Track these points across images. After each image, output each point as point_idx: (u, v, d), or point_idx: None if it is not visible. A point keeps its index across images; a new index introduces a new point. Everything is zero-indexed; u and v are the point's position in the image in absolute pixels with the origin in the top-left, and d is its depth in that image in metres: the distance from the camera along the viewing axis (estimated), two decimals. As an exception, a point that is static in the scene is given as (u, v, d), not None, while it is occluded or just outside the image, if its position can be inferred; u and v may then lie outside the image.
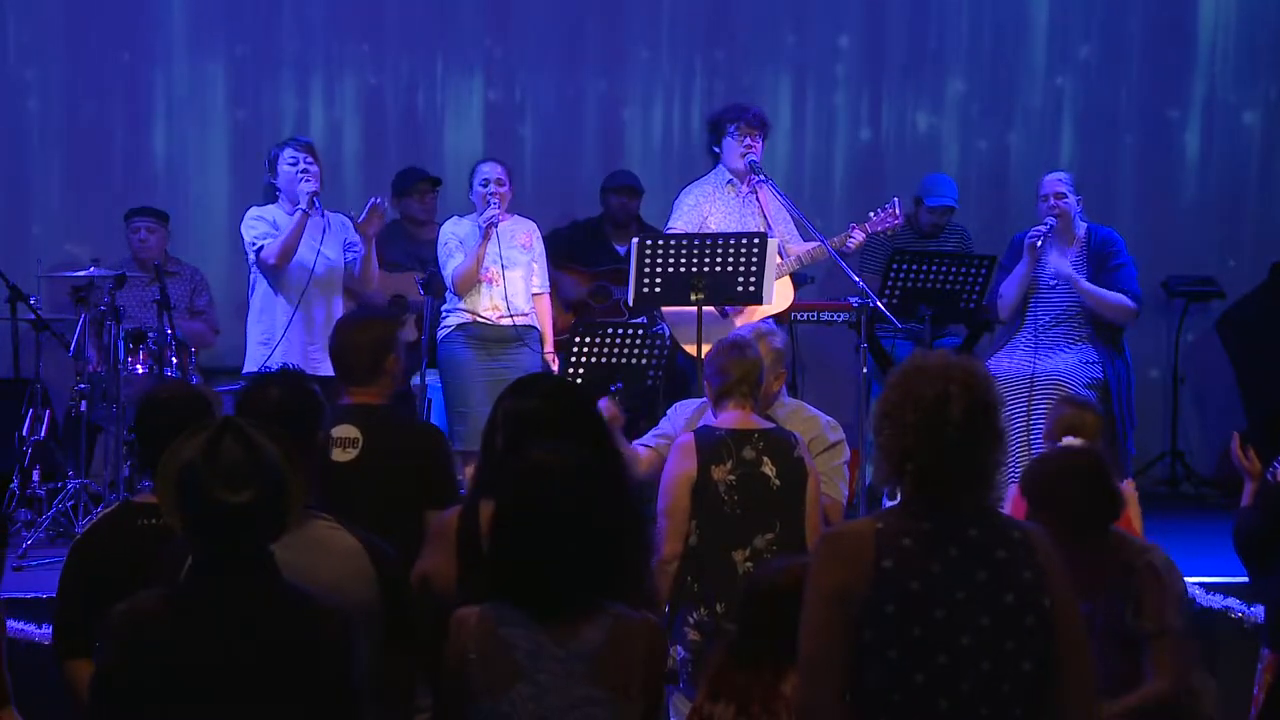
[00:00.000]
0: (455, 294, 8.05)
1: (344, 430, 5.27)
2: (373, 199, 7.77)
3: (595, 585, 3.73)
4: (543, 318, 8.21)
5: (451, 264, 8.03)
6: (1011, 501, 5.89)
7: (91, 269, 8.20)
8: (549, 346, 8.18)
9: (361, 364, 5.43)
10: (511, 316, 8.01)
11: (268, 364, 7.51)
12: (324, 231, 7.76)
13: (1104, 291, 8.13)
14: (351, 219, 7.80)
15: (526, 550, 3.71)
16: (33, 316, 8.18)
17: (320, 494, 4.87)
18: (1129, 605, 4.66)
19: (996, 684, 3.34)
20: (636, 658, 3.71)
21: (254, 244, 7.72)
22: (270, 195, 7.87)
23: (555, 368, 8.03)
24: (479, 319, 8.00)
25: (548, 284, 8.30)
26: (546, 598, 3.69)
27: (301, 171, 7.69)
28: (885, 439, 3.43)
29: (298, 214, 7.63)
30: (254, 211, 7.83)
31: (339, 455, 5.24)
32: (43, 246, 9.41)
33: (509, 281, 8.02)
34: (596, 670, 3.67)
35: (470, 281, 7.99)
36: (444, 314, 8.11)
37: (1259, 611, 6.49)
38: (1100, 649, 4.49)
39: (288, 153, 7.77)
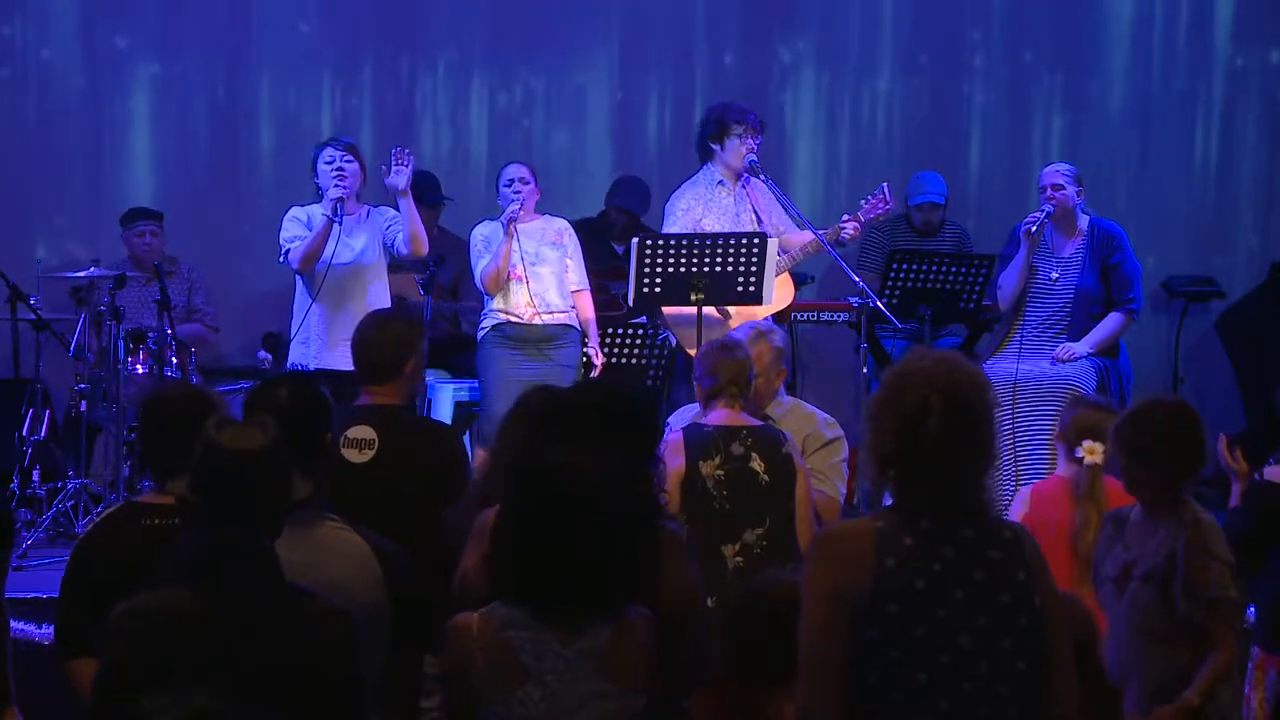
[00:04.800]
0: (486, 295, 8.03)
1: (359, 431, 5.28)
2: (395, 149, 7.73)
3: (605, 587, 3.72)
4: (584, 313, 8.14)
5: (480, 265, 8.02)
6: (1021, 502, 5.89)
7: (91, 269, 8.20)
8: (593, 342, 8.11)
9: (379, 362, 5.42)
10: (548, 314, 7.99)
11: (305, 363, 7.55)
12: (361, 227, 7.73)
13: (1101, 333, 8.10)
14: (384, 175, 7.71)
15: (535, 550, 3.70)
16: (33, 316, 8.17)
17: (335, 494, 4.93)
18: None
19: (994, 684, 3.34)
20: (640, 652, 3.72)
21: (283, 246, 7.72)
22: (318, 195, 7.79)
23: (598, 362, 8.01)
24: (513, 319, 7.97)
25: (585, 280, 8.22)
26: (554, 599, 3.69)
27: (336, 171, 7.65)
28: (869, 441, 3.44)
29: (323, 220, 7.60)
30: (292, 211, 7.80)
31: (354, 456, 5.25)
32: (43, 246, 9.41)
33: (539, 277, 8.01)
34: (603, 666, 3.68)
35: (499, 281, 7.96)
36: (482, 316, 8.09)
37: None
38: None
39: (326, 153, 7.73)
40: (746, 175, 8.24)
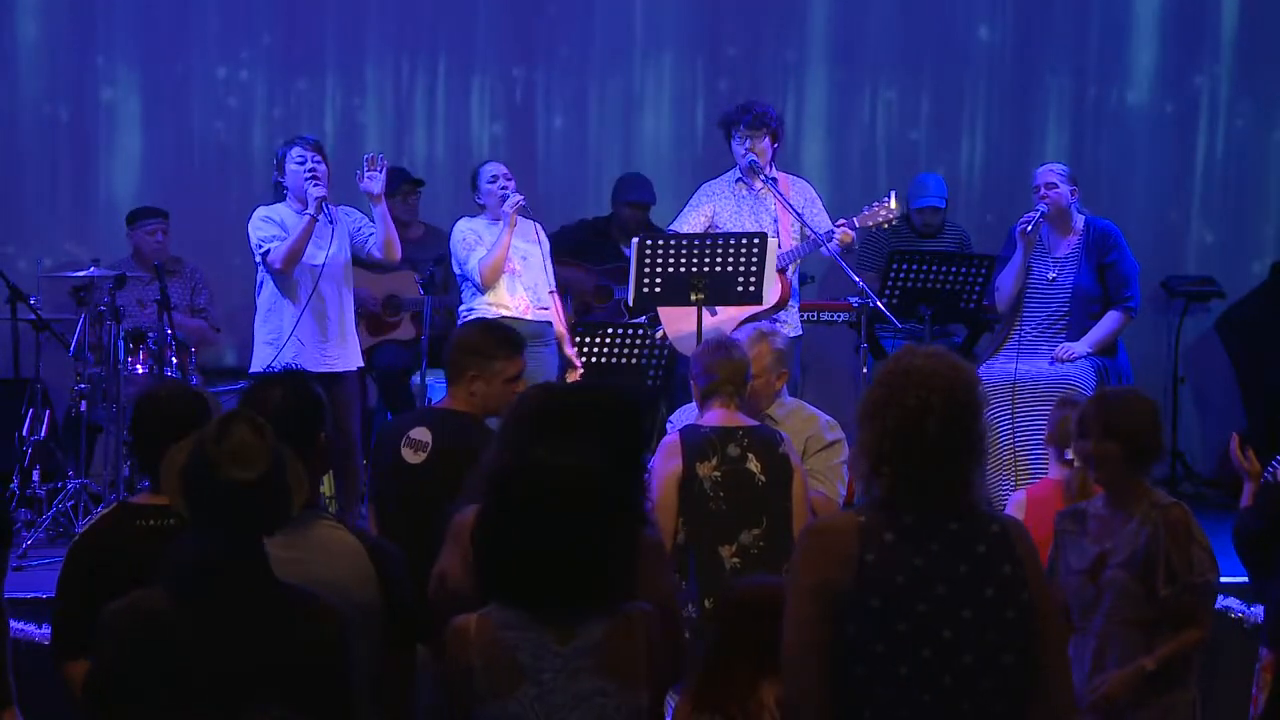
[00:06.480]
0: (483, 287, 7.95)
1: (418, 433, 5.43)
2: (367, 155, 7.69)
3: (593, 584, 3.71)
4: (556, 315, 8.16)
5: (475, 256, 7.96)
6: (1016, 506, 5.90)
7: (91, 269, 8.20)
8: (569, 344, 8.09)
9: (447, 363, 5.61)
10: (540, 309, 7.98)
11: (275, 364, 7.48)
12: (332, 228, 7.65)
13: (1100, 332, 8.06)
14: (359, 179, 7.69)
15: (519, 549, 3.69)
16: (33, 316, 8.18)
17: (391, 492, 4.96)
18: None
19: (978, 677, 3.35)
20: (638, 648, 3.71)
21: (260, 246, 7.60)
22: (278, 194, 7.72)
23: (579, 364, 8.00)
24: (505, 315, 7.92)
25: (554, 282, 8.23)
26: (543, 597, 3.68)
27: (309, 171, 7.56)
28: (865, 438, 3.45)
29: (305, 219, 7.50)
30: (261, 212, 7.69)
31: (410, 457, 5.38)
32: (43, 246, 9.42)
33: (530, 270, 8.02)
34: (600, 664, 3.68)
35: (498, 271, 7.92)
36: (465, 313, 7.95)
37: (1259, 612, 6.49)
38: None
39: (295, 151, 7.64)
40: (763, 176, 8.19)
